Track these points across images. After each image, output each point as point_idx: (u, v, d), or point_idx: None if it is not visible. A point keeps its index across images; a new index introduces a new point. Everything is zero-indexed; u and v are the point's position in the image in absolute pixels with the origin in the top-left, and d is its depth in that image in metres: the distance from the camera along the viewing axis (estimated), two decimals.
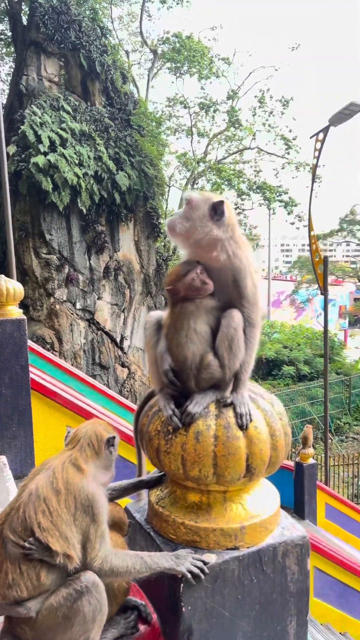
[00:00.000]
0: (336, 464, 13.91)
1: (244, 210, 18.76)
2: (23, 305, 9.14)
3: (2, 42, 19.60)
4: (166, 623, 1.55)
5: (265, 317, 1.78)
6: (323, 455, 12.27)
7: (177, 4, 18.02)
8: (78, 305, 14.45)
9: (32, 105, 13.74)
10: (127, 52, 20.18)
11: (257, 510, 1.60)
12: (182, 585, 1.45)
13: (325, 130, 11.18)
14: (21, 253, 13.64)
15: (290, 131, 18.02)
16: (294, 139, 17.94)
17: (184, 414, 1.54)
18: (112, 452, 1.56)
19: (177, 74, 17.84)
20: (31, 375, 3.94)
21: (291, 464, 8.62)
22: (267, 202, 18.06)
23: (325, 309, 11.51)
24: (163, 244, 17.77)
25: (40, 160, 12.66)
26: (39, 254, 13.80)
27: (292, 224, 18.66)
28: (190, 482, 1.56)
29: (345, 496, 12.64)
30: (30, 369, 3.98)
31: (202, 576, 1.45)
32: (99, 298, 15.06)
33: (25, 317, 3.84)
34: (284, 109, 17.60)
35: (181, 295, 1.64)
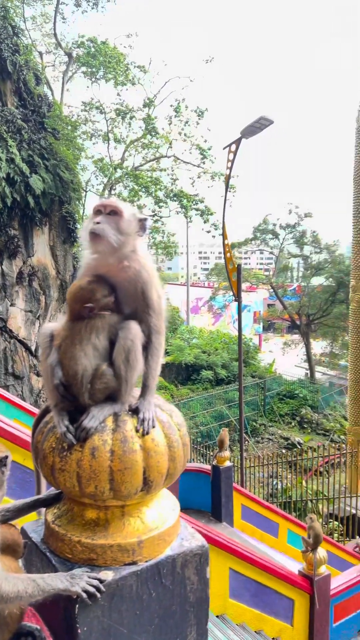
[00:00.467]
0: (253, 465, 14.33)
1: (161, 217, 18.91)
2: None
3: None
4: None
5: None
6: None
7: (92, 8, 17.88)
8: None
9: None
10: (40, 54, 19.69)
11: (156, 523, 1.59)
12: (77, 605, 1.40)
13: (237, 141, 11.54)
14: None
15: (205, 141, 18.45)
16: (209, 149, 18.37)
17: (79, 429, 1.51)
18: (4, 472, 1.49)
19: (93, 79, 17.66)
20: None
21: (208, 467, 8.77)
22: (183, 210, 18.33)
23: (239, 315, 11.86)
24: (80, 249, 17.47)
25: None
26: None
27: (208, 232, 19.07)
28: (87, 498, 1.52)
29: (261, 496, 13.07)
30: None
31: (98, 595, 1.42)
32: (12, 305, 14.47)
33: None
34: (199, 119, 18.00)
35: (85, 311, 1.61)
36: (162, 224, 19.00)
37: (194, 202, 18.22)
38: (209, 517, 8.66)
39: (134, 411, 1.58)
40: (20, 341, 14.65)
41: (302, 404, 24.35)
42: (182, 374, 26.45)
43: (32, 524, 1.82)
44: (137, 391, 1.67)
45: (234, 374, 25.03)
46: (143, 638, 1.52)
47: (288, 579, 5.80)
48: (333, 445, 16.48)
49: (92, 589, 1.41)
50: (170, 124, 18.30)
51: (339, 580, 6.47)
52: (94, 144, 18.59)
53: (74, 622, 1.41)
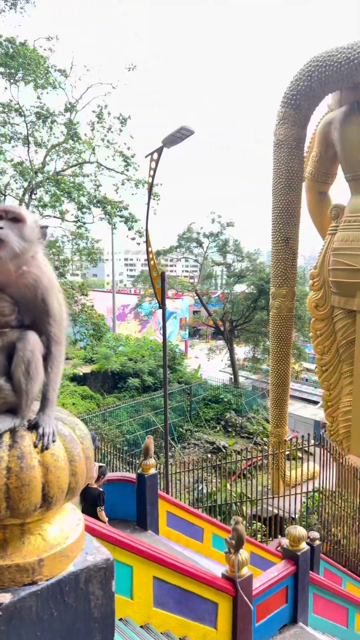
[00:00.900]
0: (179, 471, 14.40)
1: (84, 223, 18.67)
2: None
3: None
4: None
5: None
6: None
7: (10, 9, 17.38)
8: None
9: None
10: None
11: (58, 539, 1.54)
12: None
13: (159, 150, 11.65)
14: None
15: (128, 148, 18.49)
16: (132, 157, 18.42)
17: None
18: None
19: (12, 80, 17.15)
20: None
21: (133, 476, 8.71)
22: (107, 216, 18.22)
23: (163, 322, 11.92)
24: None
25: None
26: None
27: (133, 239, 19.08)
28: None
29: (187, 502, 13.17)
30: None
31: None
32: None
33: None
34: (122, 126, 18.01)
35: None
36: (86, 230, 18.76)
37: (118, 209, 18.18)
38: (134, 526, 8.59)
39: (34, 426, 1.53)
40: None
41: (226, 409, 24.89)
42: (108, 382, 26.16)
43: None
44: (37, 404, 1.62)
45: (161, 380, 25.13)
46: None
47: (211, 582, 5.87)
48: (256, 447, 16.97)
49: None
50: (93, 130, 18.17)
51: (260, 580, 6.62)
52: (13, 147, 18.02)
53: None
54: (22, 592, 1.43)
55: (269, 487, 14.52)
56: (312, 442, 13.32)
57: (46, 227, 1.69)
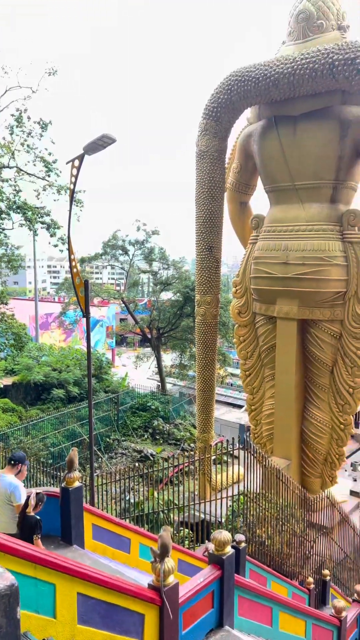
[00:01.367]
0: (105, 482, 14.14)
1: (4, 229, 18.00)
2: None
3: None
4: None
5: None
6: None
7: None
8: None
9: None
10: None
11: None
12: None
13: (80, 157, 11.46)
14: None
15: (50, 154, 18.07)
16: (54, 162, 18.03)
17: None
18: None
19: None
20: None
21: (57, 490, 8.42)
22: (28, 222, 17.68)
23: (87, 331, 11.70)
24: None
25: None
26: None
27: (56, 246, 18.62)
28: None
29: (114, 513, 12.95)
30: None
31: None
32: None
33: None
34: (43, 131, 17.58)
35: None
36: (5, 237, 18.10)
37: (39, 215, 17.70)
38: (58, 541, 8.29)
39: None
40: None
41: (154, 416, 24.87)
42: (31, 394, 25.28)
43: None
44: None
45: (87, 390, 24.67)
46: None
47: (137, 593, 5.78)
48: (183, 454, 17.06)
49: None
50: (12, 134, 17.59)
51: (187, 587, 6.61)
52: None
53: None
54: None
55: (196, 493, 14.63)
56: (237, 445, 13.59)
57: None
